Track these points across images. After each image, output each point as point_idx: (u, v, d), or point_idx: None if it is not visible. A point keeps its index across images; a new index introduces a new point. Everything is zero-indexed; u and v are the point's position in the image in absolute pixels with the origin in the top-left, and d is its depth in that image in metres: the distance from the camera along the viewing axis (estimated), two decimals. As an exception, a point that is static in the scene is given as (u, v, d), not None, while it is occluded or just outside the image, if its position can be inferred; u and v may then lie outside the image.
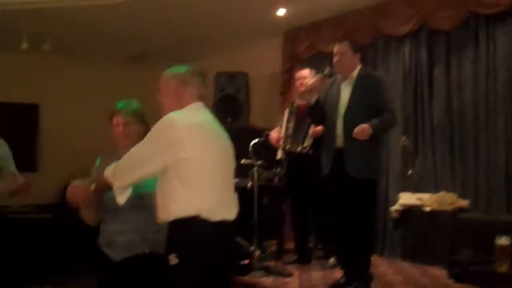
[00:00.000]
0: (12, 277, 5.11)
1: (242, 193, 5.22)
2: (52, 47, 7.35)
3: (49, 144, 8.33)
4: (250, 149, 4.99)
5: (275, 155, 5.35)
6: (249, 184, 5.14)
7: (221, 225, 2.42)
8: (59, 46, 7.48)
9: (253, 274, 4.81)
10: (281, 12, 6.41)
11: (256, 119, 7.56)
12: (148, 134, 2.47)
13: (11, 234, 5.00)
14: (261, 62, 7.59)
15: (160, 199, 2.47)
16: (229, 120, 7.12)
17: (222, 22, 6.79)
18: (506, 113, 4.99)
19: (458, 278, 4.47)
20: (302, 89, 5.15)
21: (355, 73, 4.30)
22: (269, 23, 6.77)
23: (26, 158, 3.98)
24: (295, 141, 5.13)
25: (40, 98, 8.36)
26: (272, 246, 5.71)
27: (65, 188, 2.66)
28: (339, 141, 4.21)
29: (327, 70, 4.42)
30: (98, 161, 3.03)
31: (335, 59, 4.34)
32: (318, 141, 4.74)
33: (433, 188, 5.49)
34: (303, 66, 6.89)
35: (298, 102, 5.26)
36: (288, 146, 5.16)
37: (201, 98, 2.63)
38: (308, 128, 4.98)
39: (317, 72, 5.04)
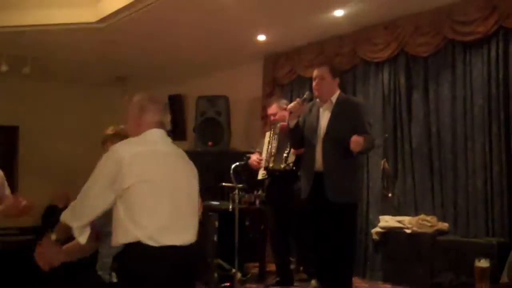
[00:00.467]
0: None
1: (224, 215, 5.28)
2: (32, 70, 7.33)
3: (29, 165, 8.25)
4: (231, 172, 5.01)
5: (256, 178, 5.37)
6: (230, 207, 5.14)
7: (167, 250, 2.39)
8: (39, 68, 7.47)
9: (234, 297, 4.79)
10: (262, 37, 6.49)
11: (237, 142, 7.58)
12: (96, 168, 2.51)
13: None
14: (242, 86, 7.64)
15: (112, 225, 2.51)
16: (210, 143, 7.14)
17: (203, 47, 6.85)
18: (483, 137, 5.07)
19: (438, 300, 4.50)
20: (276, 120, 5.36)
21: (334, 98, 4.34)
22: (250, 48, 6.84)
23: (5, 180, 3.92)
24: (278, 159, 5.15)
25: (20, 120, 8.30)
26: (253, 268, 5.69)
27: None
28: (318, 165, 4.23)
29: (306, 94, 4.46)
30: None
31: (314, 82, 4.38)
32: (300, 159, 4.78)
33: (413, 210, 5.55)
34: (283, 92, 7.02)
35: (281, 123, 5.32)
36: (271, 165, 5.17)
37: (160, 125, 2.65)
38: (291, 147, 5.03)
39: (298, 96, 5.12)
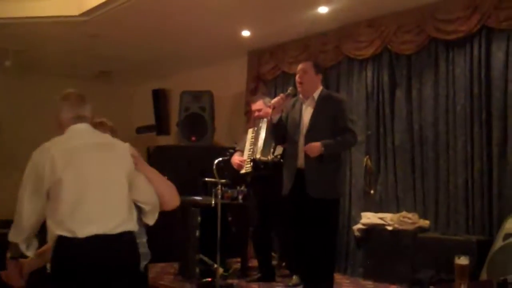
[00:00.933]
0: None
1: (206, 211, 5.27)
2: (14, 63, 7.24)
3: (10, 160, 8.16)
4: (214, 167, 5.00)
5: (239, 173, 5.36)
6: (213, 202, 5.13)
7: (91, 240, 2.36)
8: (22, 62, 7.38)
9: (216, 292, 4.79)
10: (246, 33, 6.48)
11: (220, 137, 7.57)
12: (24, 176, 2.52)
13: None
14: (226, 82, 7.63)
15: None
16: (193, 138, 7.12)
17: (187, 42, 6.82)
18: (465, 136, 5.12)
19: (418, 297, 4.53)
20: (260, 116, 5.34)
21: (316, 94, 4.36)
22: (234, 44, 6.83)
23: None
24: (265, 150, 5.13)
25: (1, 114, 8.20)
26: (235, 264, 5.69)
27: None
28: (300, 161, 4.24)
29: (290, 89, 4.48)
30: None
31: (297, 76, 4.40)
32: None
33: (395, 207, 5.59)
34: (267, 88, 7.02)
35: (268, 117, 5.31)
36: (258, 156, 5.15)
37: (78, 119, 2.64)
38: (274, 142, 5.02)
39: (282, 92, 5.11)
